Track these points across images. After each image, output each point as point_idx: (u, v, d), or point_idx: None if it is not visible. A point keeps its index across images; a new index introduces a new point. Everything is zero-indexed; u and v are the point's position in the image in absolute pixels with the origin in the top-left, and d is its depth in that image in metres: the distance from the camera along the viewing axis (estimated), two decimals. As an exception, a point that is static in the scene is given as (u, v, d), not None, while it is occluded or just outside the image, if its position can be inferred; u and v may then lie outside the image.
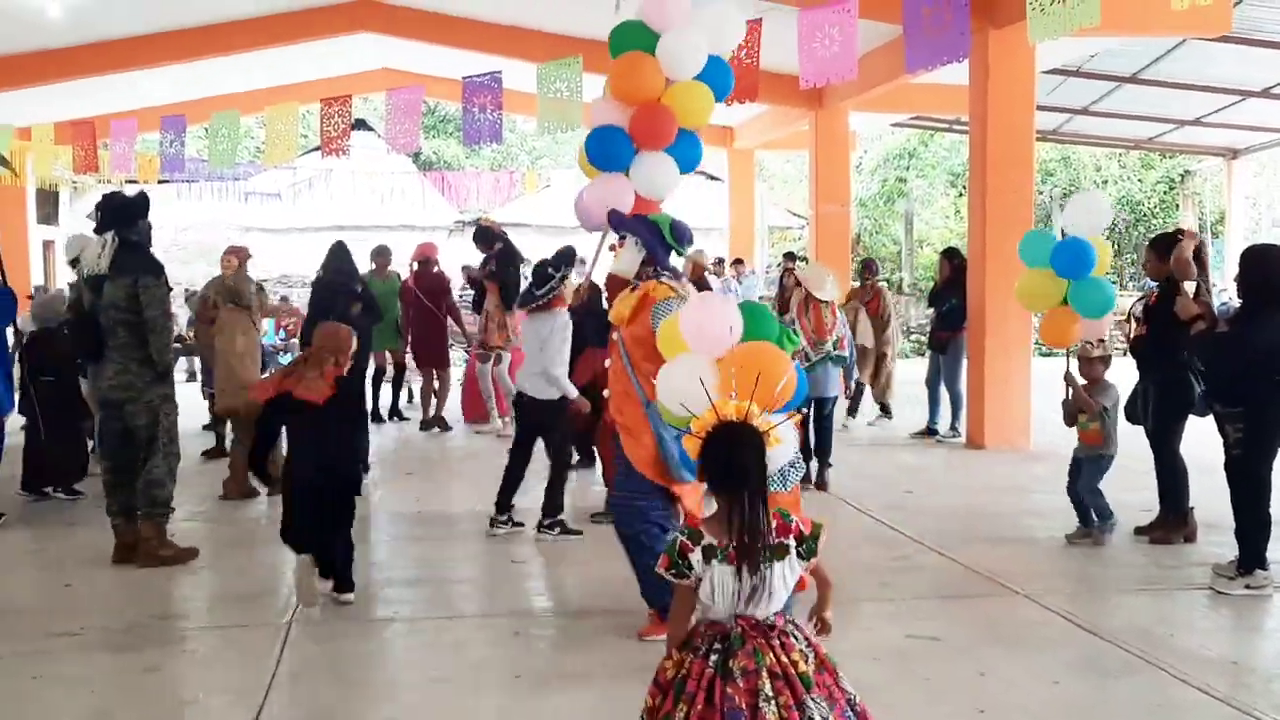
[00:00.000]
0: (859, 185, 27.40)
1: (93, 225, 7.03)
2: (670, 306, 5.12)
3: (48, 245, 20.80)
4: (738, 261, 19.50)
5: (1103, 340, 7.23)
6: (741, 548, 2.99)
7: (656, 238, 5.42)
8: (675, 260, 5.57)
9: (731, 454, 3.04)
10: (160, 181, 18.95)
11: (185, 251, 22.57)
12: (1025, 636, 5.48)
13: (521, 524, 7.57)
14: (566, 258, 7.68)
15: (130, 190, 7.52)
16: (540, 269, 7.64)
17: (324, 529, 5.76)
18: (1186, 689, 4.73)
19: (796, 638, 3.07)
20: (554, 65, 9.34)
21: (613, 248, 7.86)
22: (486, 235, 11.38)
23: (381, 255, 12.43)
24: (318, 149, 14.18)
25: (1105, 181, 29.19)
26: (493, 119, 9.67)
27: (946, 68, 8.49)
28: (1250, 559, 6.05)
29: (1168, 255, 7.02)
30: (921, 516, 8.04)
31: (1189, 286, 6.64)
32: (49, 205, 21.69)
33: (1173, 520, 7.22)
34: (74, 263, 8.77)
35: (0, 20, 12.63)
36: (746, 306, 4.46)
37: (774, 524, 3.05)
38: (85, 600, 6.10)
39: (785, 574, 3.03)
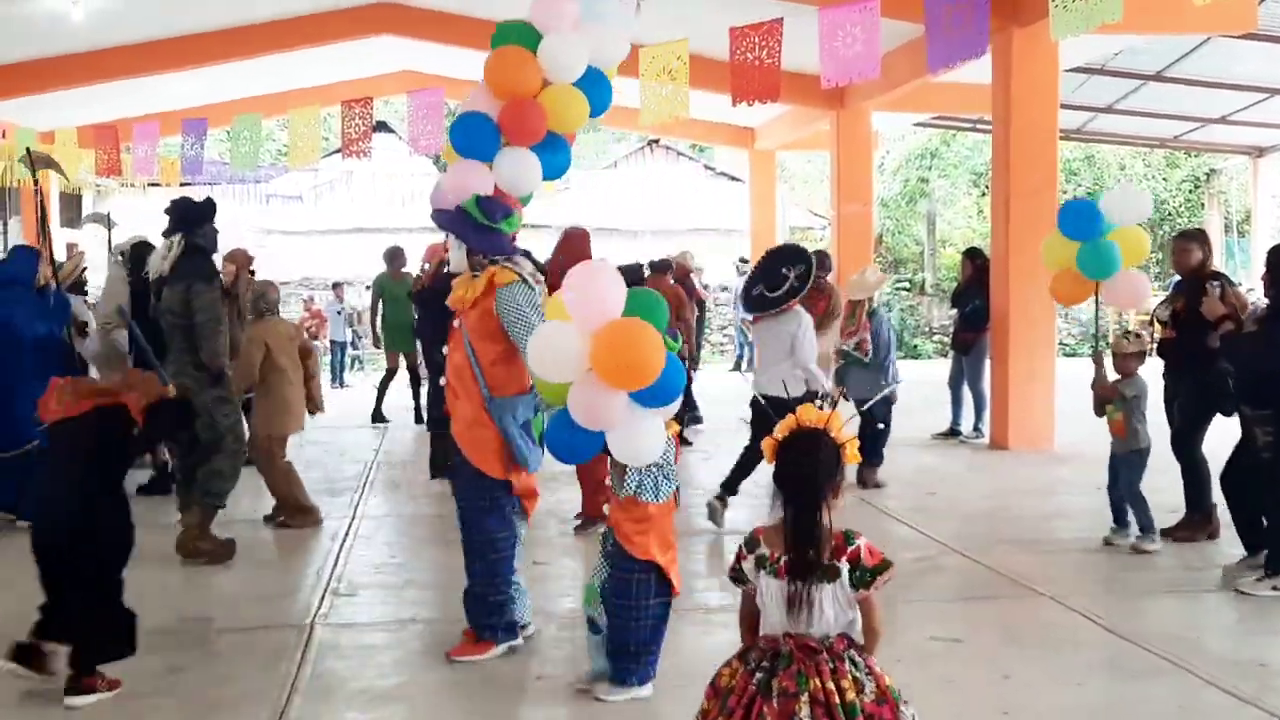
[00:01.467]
0: (881, 185, 27.29)
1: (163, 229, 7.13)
2: (514, 292, 4.92)
3: (71, 248, 20.93)
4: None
5: (1139, 335, 7.16)
6: (790, 561, 2.94)
7: (463, 223, 5.10)
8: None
9: (793, 462, 2.99)
10: (181, 184, 19.05)
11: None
12: (1049, 638, 5.44)
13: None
14: (803, 256, 7.71)
15: (173, 194, 7.67)
16: (771, 271, 7.65)
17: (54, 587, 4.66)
18: (1213, 691, 4.68)
19: (854, 664, 2.95)
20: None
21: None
22: None
23: (396, 257, 12.43)
24: (339, 151, 14.22)
25: (1130, 180, 29.02)
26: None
27: (969, 67, 8.46)
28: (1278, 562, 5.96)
29: (1200, 249, 7.02)
30: (945, 518, 8.00)
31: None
32: (72, 209, 21.82)
33: (1197, 519, 7.17)
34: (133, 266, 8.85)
35: (24, 25, 12.71)
36: (638, 293, 4.18)
37: (833, 543, 2.97)
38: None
39: (837, 596, 2.95)
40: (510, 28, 5.60)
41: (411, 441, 11.84)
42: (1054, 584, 6.24)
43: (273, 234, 24.67)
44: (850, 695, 2.87)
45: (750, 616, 3.07)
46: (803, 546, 2.93)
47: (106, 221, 13.48)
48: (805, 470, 2.97)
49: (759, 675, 2.91)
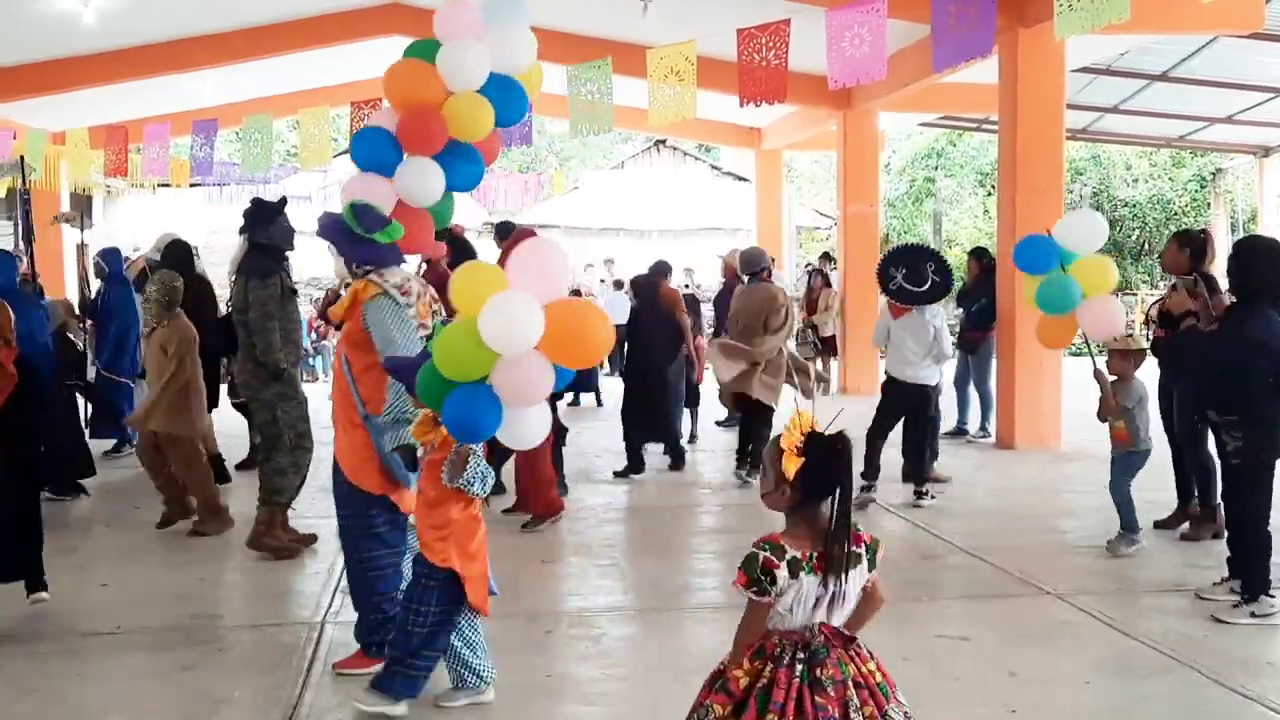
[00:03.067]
0: (887, 185, 27.33)
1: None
2: (379, 306, 4.85)
3: (81, 249, 20.99)
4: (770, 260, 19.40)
5: (1130, 335, 7.18)
6: (831, 555, 2.96)
7: (339, 232, 5.00)
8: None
9: (832, 464, 2.99)
10: (191, 185, 19.09)
11: (216, 254, 22.77)
12: (1056, 637, 5.47)
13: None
14: (938, 256, 8.37)
15: (250, 195, 7.92)
16: (913, 267, 8.14)
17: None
18: (1220, 689, 4.71)
19: (866, 649, 3.07)
20: (584, 67, 9.38)
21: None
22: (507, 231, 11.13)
23: None
24: (348, 152, 14.27)
25: (1136, 180, 29.02)
26: (523, 121, 9.70)
27: (975, 67, 8.49)
28: (1256, 584, 5.63)
29: (1187, 249, 7.04)
30: (951, 517, 8.03)
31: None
32: (82, 209, 21.90)
33: (1201, 516, 7.21)
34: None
35: (36, 26, 12.77)
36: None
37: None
38: (121, 600, 6.16)
39: (857, 582, 3.02)
40: (419, 44, 5.61)
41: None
42: (1061, 582, 6.27)
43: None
44: (878, 676, 3.00)
45: (760, 626, 3.02)
46: (844, 541, 2.97)
47: (80, 221, 13.50)
48: (846, 467, 3.01)
49: (799, 668, 2.94)
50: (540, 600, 6.25)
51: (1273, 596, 5.62)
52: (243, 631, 5.63)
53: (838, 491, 2.97)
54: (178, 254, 9.14)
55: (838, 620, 3.02)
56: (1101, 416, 7.09)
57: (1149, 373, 7.04)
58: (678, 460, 10.15)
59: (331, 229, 5.02)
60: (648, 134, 28.35)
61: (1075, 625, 5.62)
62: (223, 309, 9.68)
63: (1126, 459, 6.98)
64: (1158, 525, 7.41)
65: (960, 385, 11.70)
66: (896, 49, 12.12)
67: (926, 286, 8.17)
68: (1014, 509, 8.33)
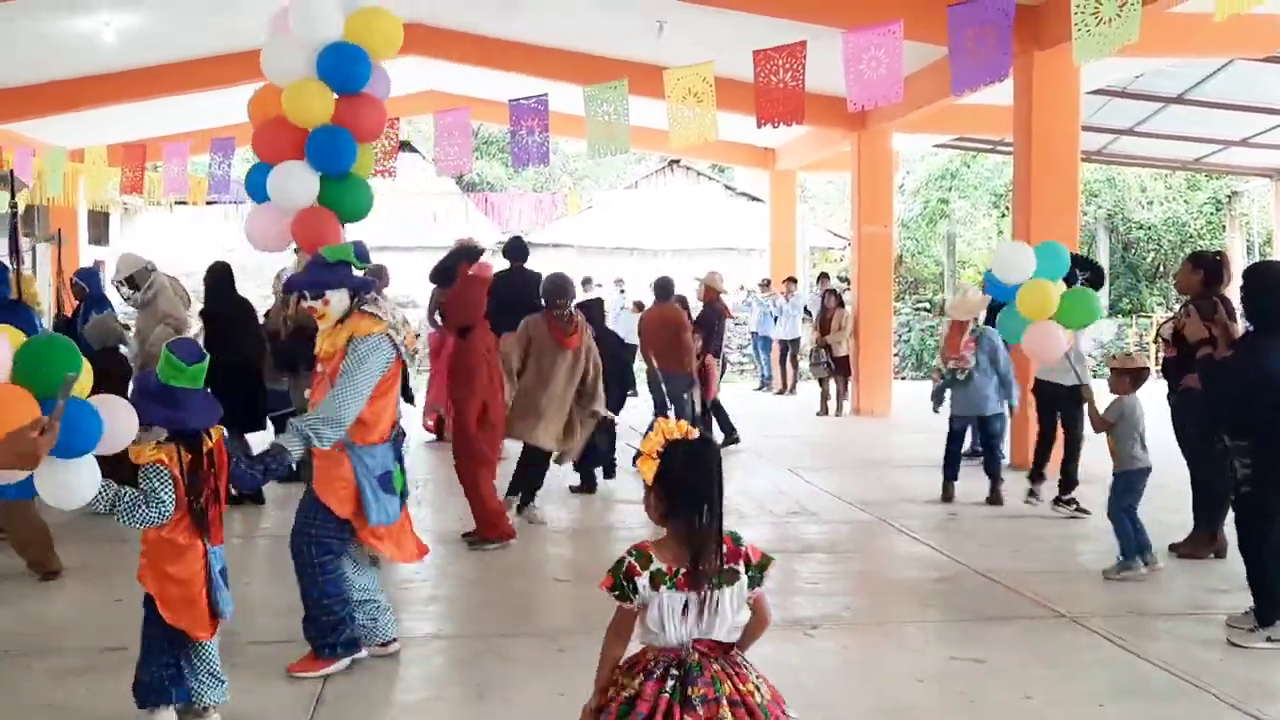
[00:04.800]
0: (901, 206, 27.34)
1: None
2: (374, 345, 4.97)
3: (98, 265, 21.13)
4: (790, 280, 19.45)
5: (1129, 354, 7.19)
6: (695, 570, 2.92)
7: (344, 274, 5.16)
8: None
9: (694, 472, 2.95)
10: (208, 203, 19.23)
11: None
12: (1071, 660, 5.45)
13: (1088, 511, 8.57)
14: (1092, 264, 8.72)
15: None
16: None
17: None
18: (1236, 714, 4.69)
19: (749, 667, 3.03)
20: (600, 88, 9.42)
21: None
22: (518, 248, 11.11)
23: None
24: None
25: (1151, 202, 28.99)
26: (540, 141, 9.75)
27: (990, 89, 8.49)
28: (1270, 609, 5.58)
29: (1201, 271, 7.06)
30: (966, 538, 8.01)
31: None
32: (100, 226, 22.06)
33: (1201, 536, 7.23)
34: (127, 282, 8.94)
35: (57, 46, 12.90)
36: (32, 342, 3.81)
37: (725, 548, 2.99)
38: (135, 616, 6.16)
39: (734, 599, 2.98)
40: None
41: (435, 457, 11.88)
42: (1075, 605, 6.25)
43: (300, 251, 24.83)
44: (757, 696, 2.95)
45: (626, 634, 3.02)
46: (711, 554, 2.93)
47: (58, 238, 13.58)
48: (713, 477, 2.97)
49: (670, 683, 2.90)
50: (554, 618, 6.26)
51: (1289, 621, 5.59)
52: (257, 647, 5.63)
53: (705, 505, 2.93)
54: (219, 275, 9.12)
55: (719, 636, 2.97)
56: (1097, 430, 7.10)
57: (1157, 392, 7.04)
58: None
59: (336, 274, 5.12)
60: (662, 154, 28.44)
61: (1090, 648, 5.60)
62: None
63: (1125, 480, 6.95)
64: (1172, 548, 7.39)
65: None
66: (911, 71, 12.16)
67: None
68: (1028, 531, 8.31)
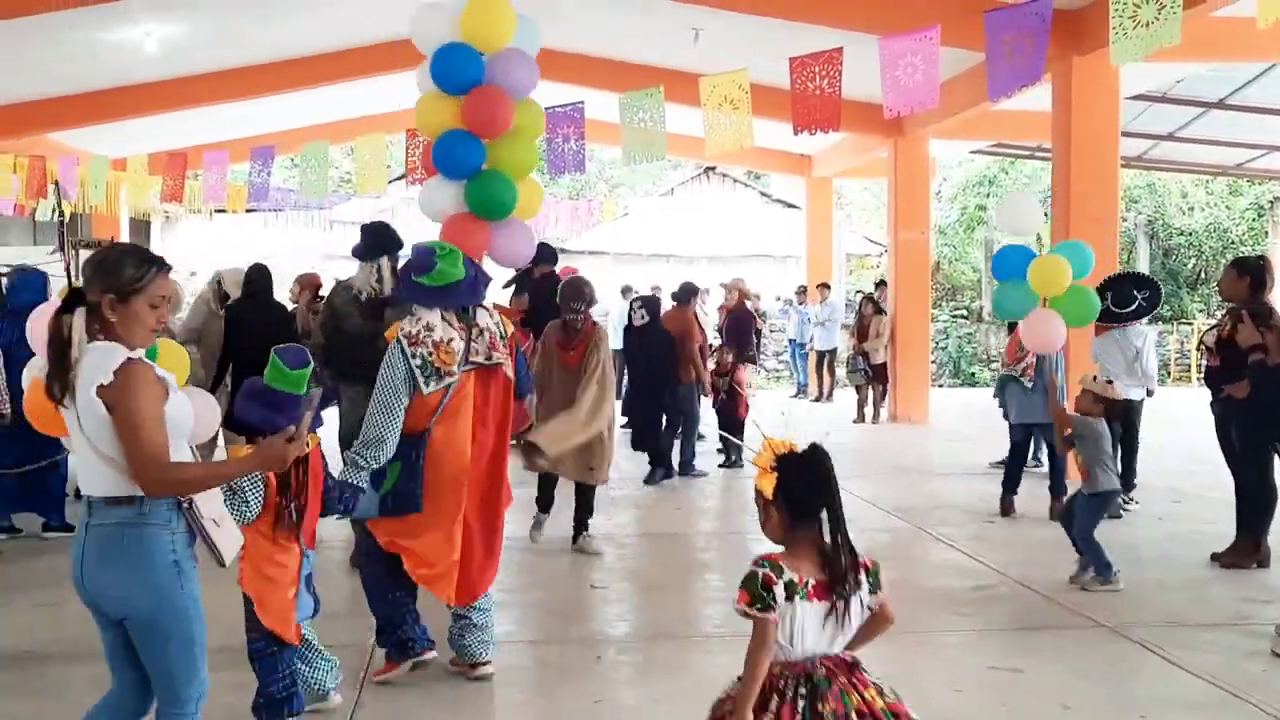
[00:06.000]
0: (938, 212, 27.19)
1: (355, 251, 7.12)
2: (389, 352, 4.99)
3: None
4: (823, 286, 19.41)
5: (1110, 383, 7.11)
6: (834, 574, 2.94)
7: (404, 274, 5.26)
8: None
9: (814, 482, 2.98)
10: (247, 210, 19.42)
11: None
12: (1110, 670, 5.40)
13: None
14: (1151, 283, 8.94)
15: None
16: (1120, 290, 8.73)
17: None
18: (1279, 726, 4.64)
19: (868, 673, 3.03)
20: (636, 95, 9.42)
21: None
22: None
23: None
24: (402, 178, 14.46)
25: (1192, 208, 28.69)
26: (576, 149, 9.75)
27: (1027, 94, 8.45)
28: None
29: (1247, 276, 6.98)
30: (1004, 547, 7.96)
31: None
32: (141, 234, 22.32)
33: (1244, 545, 7.15)
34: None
35: (100, 55, 13.07)
36: None
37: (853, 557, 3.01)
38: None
39: (858, 608, 3.00)
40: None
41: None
42: (1115, 614, 6.20)
43: (335, 259, 25.00)
44: (879, 703, 2.95)
45: (770, 648, 2.93)
46: (844, 562, 2.95)
47: (106, 246, 13.63)
48: (827, 481, 2.99)
49: (801, 704, 2.90)
50: (591, 626, 6.27)
51: (1336, 632, 5.52)
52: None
53: (827, 510, 2.96)
54: (261, 280, 9.12)
55: (838, 649, 2.99)
56: (1061, 451, 7.23)
57: (1200, 400, 6.98)
58: (653, 475, 10.46)
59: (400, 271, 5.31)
60: (697, 161, 28.45)
61: (1129, 658, 5.55)
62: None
63: (1098, 501, 6.87)
64: (1214, 558, 7.32)
65: (1012, 414, 11.57)
66: (948, 76, 12.11)
67: (1130, 308, 8.69)
68: (1065, 540, 8.20)
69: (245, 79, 14.60)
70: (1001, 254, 7.75)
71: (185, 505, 3.34)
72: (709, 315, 17.72)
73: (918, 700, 4.97)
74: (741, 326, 13.41)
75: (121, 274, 3.28)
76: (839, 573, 2.95)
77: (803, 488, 2.98)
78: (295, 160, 14.85)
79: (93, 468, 3.26)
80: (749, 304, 14.70)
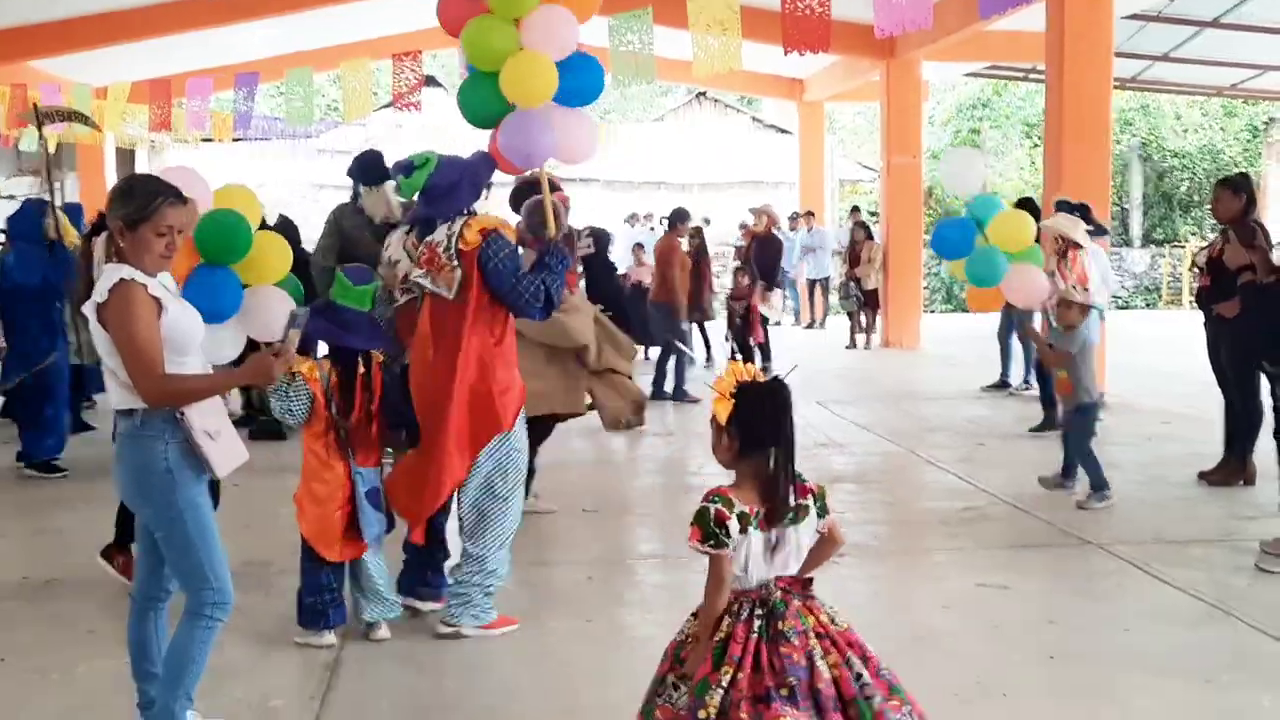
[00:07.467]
0: (931, 136, 27.01)
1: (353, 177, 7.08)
2: None
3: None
4: (809, 214, 19.38)
5: (1077, 289, 7.09)
6: (776, 509, 2.94)
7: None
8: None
9: (767, 414, 2.97)
10: (234, 139, 19.23)
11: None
12: (1097, 586, 5.47)
13: None
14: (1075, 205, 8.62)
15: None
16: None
17: None
18: (1262, 638, 4.70)
19: (820, 600, 3.04)
20: (625, 18, 9.29)
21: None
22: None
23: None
24: (389, 105, 14.31)
25: (1186, 130, 28.54)
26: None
27: (1022, 14, 8.35)
28: None
29: (1243, 194, 6.96)
30: (994, 468, 8.02)
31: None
32: (127, 164, 22.08)
33: (1232, 463, 7.22)
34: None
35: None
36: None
37: (796, 486, 3.00)
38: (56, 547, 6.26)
39: (807, 534, 3.01)
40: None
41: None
42: (1102, 533, 6.26)
43: (325, 188, 24.82)
44: (833, 628, 2.97)
45: (727, 583, 2.94)
46: (786, 493, 2.95)
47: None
48: (783, 414, 2.98)
49: (758, 624, 2.91)
50: (583, 550, 6.32)
51: (1320, 546, 5.57)
52: (291, 576, 5.69)
53: (779, 443, 2.95)
54: (287, 234, 8.93)
55: (792, 571, 3.00)
56: (1051, 364, 7.14)
57: (1193, 321, 6.99)
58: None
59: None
60: (689, 86, 28.18)
61: (1116, 575, 5.61)
62: None
63: (1079, 417, 6.90)
64: (1202, 476, 7.38)
65: (1003, 339, 11.61)
66: (941, -3, 11.97)
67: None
68: (1056, 461, 8.25)
69: (229, 4, 14.37)
70: (940, 235, 7.33)
71: (178, 417, 3.48)
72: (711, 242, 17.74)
73: (907, 617, 5.06)
74: (769, 253, 13.38)
75: (130, 202, 3.48)
76: (783, 504, 2.95)
77: (757, 418, 2.96)
78: (280, 87, 14.66)
79: (110, 381, 3.53)
80: (776, 231, 14.64)
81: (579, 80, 5.09)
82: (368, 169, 7.04)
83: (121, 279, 3.41)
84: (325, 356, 4.68)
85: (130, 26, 14.56)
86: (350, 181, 7.24)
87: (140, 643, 3.80)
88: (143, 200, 3.47)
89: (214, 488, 3.87)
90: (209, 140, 18.19)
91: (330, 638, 4.73)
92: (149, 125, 15.09)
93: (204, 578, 3.57)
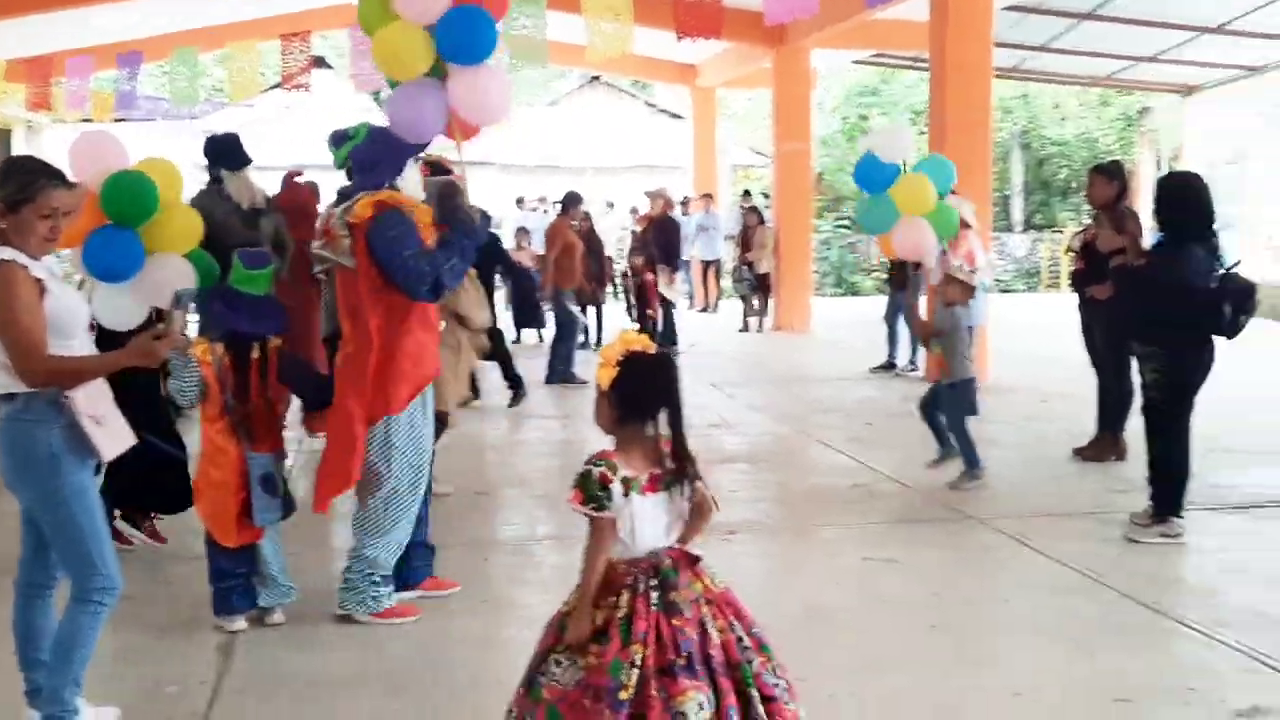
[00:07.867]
0: (820, 123, 27.39)
1: (207, 163, 7.01)
2: None
3: None
4: (706, 196, 19.54)
5: (965, 270, 7.10)
6: (670, 474, 2.98)
7: None
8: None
9: (657, 379, 3.01)
10: (116, 120, 18.72)
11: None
12: (979, 559, 5.69)
13: None
14: None
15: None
16: None
17: None
18: (1132, 604, 4.93)
19: (705, 566, 3.07)
20: (518, 1, 9.30)
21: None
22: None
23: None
24: (277, 86, 14.08)
25: (1064, 119, 29.36)
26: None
27: (907, 4, 8.54)
28: (1167, 506, 5.85)
29: (1117, 181, 7.23)
30: (881, 447, 8.23)
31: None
32: (2, 145, 21.35)
33: (1104, 440, 7.53)
34: None
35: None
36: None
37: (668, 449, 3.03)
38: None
39: (685, 498, 3.03)
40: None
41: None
42: (984, 508, 6.49)
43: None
44: (716, 590, 3.02)
45: (609, 546, 2.96)
46: (683, 457, 3.00)
47: None
48: (668, 385, 3.03)
49: (654, 595, 2.92)
50: (477, 530, 6.35)
51: (1182, 519, 5.87)
52: (183, 562, 5.63)
53: (666, 413, 2.99)
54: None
55: (674, 540, 3.04)
56: (925, 344, 7.26)
57: (1069, 304, 7.24)
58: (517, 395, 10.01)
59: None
60: (583, 70, 28.15)
61: (997, 548, 5.84)
62: None
63: (955, 393, 6.93)
64: (1077, 452, 7.68)
65: (890, 320, 11.89)
66: (830, -14, 12.17)
67: None
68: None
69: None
70: (865, 163, 7.21)
71: (63, 401, 3.44)
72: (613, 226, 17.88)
73: (798, 591, 5.20)
74: (666, 235, 13.55)
75: (9, 183, 3.43)
76: (679, 470, 2.99)
77: (637, 388, 2.99)
78: (164, 67, 14.32)
79: None
80: (671, 214, 14.85)
81: (464, 34, 4.68)
82: (230, 153, 6.93)
83: (2, 260, 3.37)
84: (219, 339, 4.66)
85: (4, 2, 14.06)
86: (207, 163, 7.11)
87: (26, 631, 3.75)
88: (22, 180, 3.42)
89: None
90: (89, 121, 17.68)
91: (240, 622, 4.70)
92: (25, 105, 14.63)
93: (91, 564, 3.53)
